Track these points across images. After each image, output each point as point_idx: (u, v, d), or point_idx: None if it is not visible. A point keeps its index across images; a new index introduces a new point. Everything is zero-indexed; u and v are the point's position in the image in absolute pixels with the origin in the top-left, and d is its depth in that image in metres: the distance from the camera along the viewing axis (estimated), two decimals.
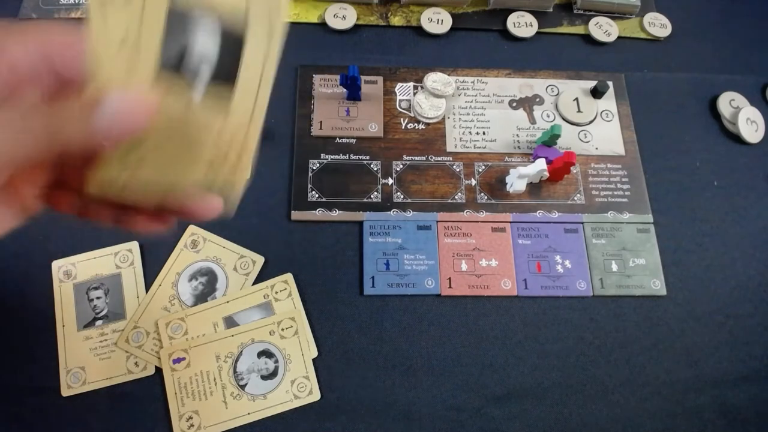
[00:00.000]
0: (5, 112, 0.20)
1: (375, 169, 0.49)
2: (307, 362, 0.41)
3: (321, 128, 0.50)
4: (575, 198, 0.49)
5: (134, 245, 0.44)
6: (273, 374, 0.41)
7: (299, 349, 0.42)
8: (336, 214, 0.47)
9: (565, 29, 0.57)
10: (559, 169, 0.47)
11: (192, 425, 0.39)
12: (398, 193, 0.48)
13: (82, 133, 0.20)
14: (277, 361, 0.41)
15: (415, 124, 0.51)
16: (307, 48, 0.53)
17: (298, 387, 0.41)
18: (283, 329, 0.42)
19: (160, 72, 0.20)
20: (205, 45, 0.20)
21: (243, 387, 0.40)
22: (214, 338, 0.41)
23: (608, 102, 0.53)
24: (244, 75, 0.21)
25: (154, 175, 0.22)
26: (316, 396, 0.41)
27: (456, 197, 0.48)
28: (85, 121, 0.20)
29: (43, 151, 0.21)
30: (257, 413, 0.40)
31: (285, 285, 0.44)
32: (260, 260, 0.44)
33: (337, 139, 0.50)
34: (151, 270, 0.44)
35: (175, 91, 0.20)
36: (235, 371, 0.41)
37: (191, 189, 0.23)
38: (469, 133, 0.51)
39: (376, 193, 0.48)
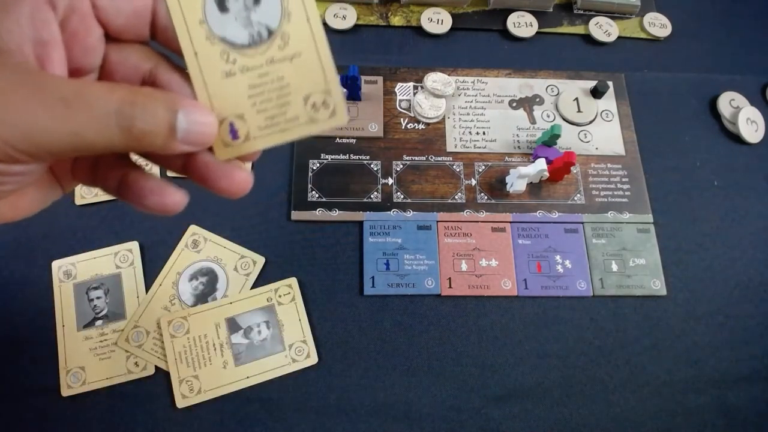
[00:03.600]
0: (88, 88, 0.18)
1: (375, 169, 0.49)
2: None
3: None
4: (575, 198, 0.49)
5: (134, 245, 0.44)
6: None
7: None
8: (336, 214, 0.47)
9: (565, 29, 0.57)
10: (559, 169, 0.47)
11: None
12: (398, 193, 0.48)
13: (166, 138, 0.19)
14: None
15: (415, 124, 0.51)
16: None
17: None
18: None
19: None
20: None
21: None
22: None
23: (608, 102, 0.53)
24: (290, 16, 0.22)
25: (266, 126, 0.22)
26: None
27: (456, 197, 0.48)
28: (168, 125, 0.19)
29: (118, 144, 0.18)
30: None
31: (289, 289, 0.44)
32: (261, 260, 0.44)
33: (337, 138, 0.50)
34: (151, 270, 0.44)
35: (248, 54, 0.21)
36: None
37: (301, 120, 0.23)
38: (469, 133, 0.51)
39: (376, 193, 0.48)
